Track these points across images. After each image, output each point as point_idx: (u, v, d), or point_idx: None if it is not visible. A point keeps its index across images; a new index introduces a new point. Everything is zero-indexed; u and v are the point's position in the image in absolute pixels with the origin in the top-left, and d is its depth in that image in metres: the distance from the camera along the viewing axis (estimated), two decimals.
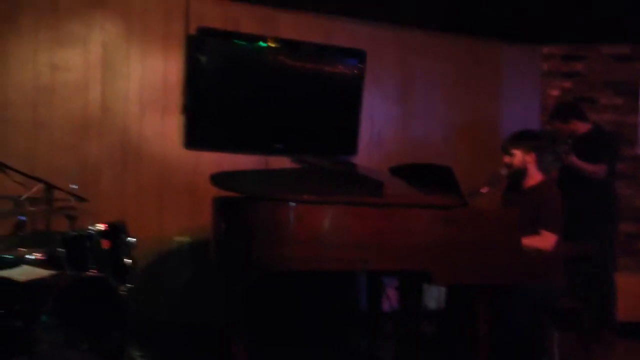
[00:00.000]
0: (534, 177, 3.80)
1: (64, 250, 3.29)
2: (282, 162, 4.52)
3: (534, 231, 3.65)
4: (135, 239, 3.59)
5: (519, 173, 3.81)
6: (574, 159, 4.56)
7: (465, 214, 3.27)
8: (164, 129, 4.49)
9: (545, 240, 3.64)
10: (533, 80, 5.74)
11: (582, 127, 4.82)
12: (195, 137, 4.53)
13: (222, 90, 4.55)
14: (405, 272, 3.64)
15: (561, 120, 4.88)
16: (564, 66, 5.69)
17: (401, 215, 3.12)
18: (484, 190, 3.77)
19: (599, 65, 5.61)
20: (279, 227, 2.98)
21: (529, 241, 3.60)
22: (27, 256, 3.21)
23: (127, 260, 3.53)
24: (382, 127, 5.23)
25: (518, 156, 3.80)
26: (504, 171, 3.82)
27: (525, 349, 3.62)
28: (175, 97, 4.51)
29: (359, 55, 4.96)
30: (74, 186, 3.66)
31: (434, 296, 4.84)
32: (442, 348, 3.92)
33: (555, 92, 5.70)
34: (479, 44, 5.55)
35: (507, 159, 3.83)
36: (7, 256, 3.16)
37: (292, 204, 2.97)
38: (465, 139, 5.48)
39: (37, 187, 3.61)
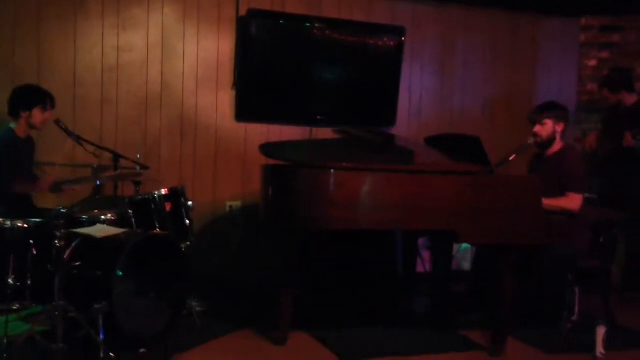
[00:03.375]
0: (557, 144, 4.03)
1: (131, 211, 3.73)
2: (325, 133, 4.84)
3: (560, 194, 3.88)
4: (191, 202, 3.98)
5: (547, 141, 4.04)
6: None
7: (490, 180, 3.52)
8: (217, 103, 4.88)
9: (571, 201, 3.87)
10: (570, 51, 5.83)
11: (629, 99, 4.91)
12: (244, 110, 4.90)
13: (270, 67, 4.88)
14: (435, 232, 3.92)
15: (610, 90, 4.94)
16: (602, 37, 5.77)
17: (430, 181, 3.38)
18: (512, 158, 4.02)
19: (636, 35, 5.67)
20: (320, 191, 3.30)
21: (556, 202, 3.82)
22: (102, 217, 3.68)
23: (187, 221, 3.92)
24: (421, 100, 5.48)
25: (549, 125, 4.02)
26: (531, 140, 4.06)
27: (549, 305, 3.89)
28: (227, 73, 4.87)
29: (398, 32, 5.18)
30: (138, 155, 4.10)
31: (467, 258, 5.15)
32: (472, 304, 4.22)
33: (592, 63, 5.80)
34: (517, 18, 5.67)
35: (537, 128, 4.04)
36: (85, 216, 3.63)
37: (332, 170, 3.30)
38: (502, 111, 5.66)
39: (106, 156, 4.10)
